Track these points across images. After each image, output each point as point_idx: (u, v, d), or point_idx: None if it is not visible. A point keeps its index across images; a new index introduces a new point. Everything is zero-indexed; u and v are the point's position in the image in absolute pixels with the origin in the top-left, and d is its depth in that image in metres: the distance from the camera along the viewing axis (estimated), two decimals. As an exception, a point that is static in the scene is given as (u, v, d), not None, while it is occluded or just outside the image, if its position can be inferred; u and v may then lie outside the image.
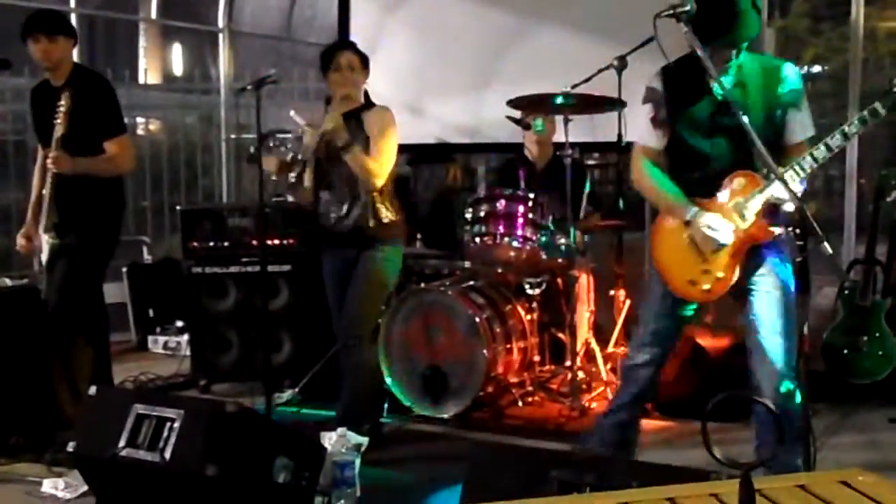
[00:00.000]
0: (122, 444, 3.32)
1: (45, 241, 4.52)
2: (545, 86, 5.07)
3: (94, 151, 4.48)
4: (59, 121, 4.31)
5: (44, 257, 4.55)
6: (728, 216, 3.37)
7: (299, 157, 4.28)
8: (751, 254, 3.41)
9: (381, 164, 4.33)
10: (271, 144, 4.31)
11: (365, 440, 3.92)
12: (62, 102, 4.30)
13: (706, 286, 3.46)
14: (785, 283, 3.37)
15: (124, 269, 7.05)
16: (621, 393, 3.82)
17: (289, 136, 4.34)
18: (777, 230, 3.33)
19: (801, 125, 3.38)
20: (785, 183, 2.99)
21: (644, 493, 1.82)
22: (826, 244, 2.63)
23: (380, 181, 4.33)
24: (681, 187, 3.51)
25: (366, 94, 4.53)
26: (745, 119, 3.11)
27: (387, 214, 4.40)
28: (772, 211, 3.32)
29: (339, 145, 4.24)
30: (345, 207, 4.41)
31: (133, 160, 4.72)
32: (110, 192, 4.60)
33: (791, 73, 3.42)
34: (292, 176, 4.30)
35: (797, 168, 3.20)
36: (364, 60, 4.49)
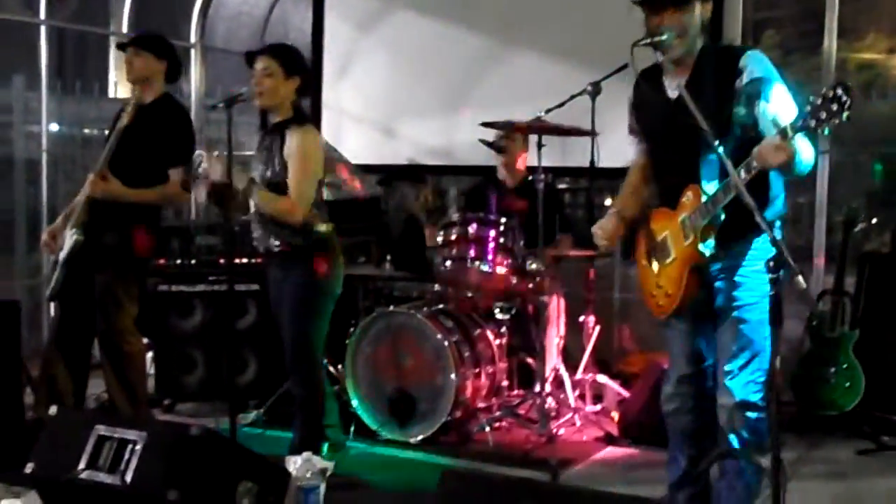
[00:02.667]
0: (81, 465, 3.25)
1: (70, 236, 4.50)
2: (519, 109, 5.07)
3: (153, 172, 4.55)
4: (126, 111, 4.48)
5: (63, 253, 4.52)
6: (676, 231, 3.28)
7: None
8: (702, 273, 3.29)
9: (296, 199, 4.04)
10: (200, 171, 4.16)
11: (331, 465, 3.85)
12: (123, 119, 4.45)
13: (660, 301, 3.40)
14: (729, 306, 3.26)
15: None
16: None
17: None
18: (707, 251, 3.19)
19: (772, 119, 3.05)
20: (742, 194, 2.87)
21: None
22: (800, 278, 2.61)
23: (297, 217, 4.05)
24: (661, 194, 3.46)
25: (297, 108, 4.19)
26: (700, 120, 2.93)
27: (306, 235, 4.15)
28: (714, 231, 3.19)
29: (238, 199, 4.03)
30: (263, 229, 4.21)
31: (188, 196, 4.92)
32: (149, 213, 4.66)
33: (751, 61, 3.16)
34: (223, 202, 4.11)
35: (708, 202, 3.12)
36: (289, 66, 4.09)
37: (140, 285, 4.72)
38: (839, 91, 2.70)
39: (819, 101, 2.74)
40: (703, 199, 3.17)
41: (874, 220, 5.73)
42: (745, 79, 3.14)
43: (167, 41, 4.83)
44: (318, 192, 4.19)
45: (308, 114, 4.28)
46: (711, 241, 3.20)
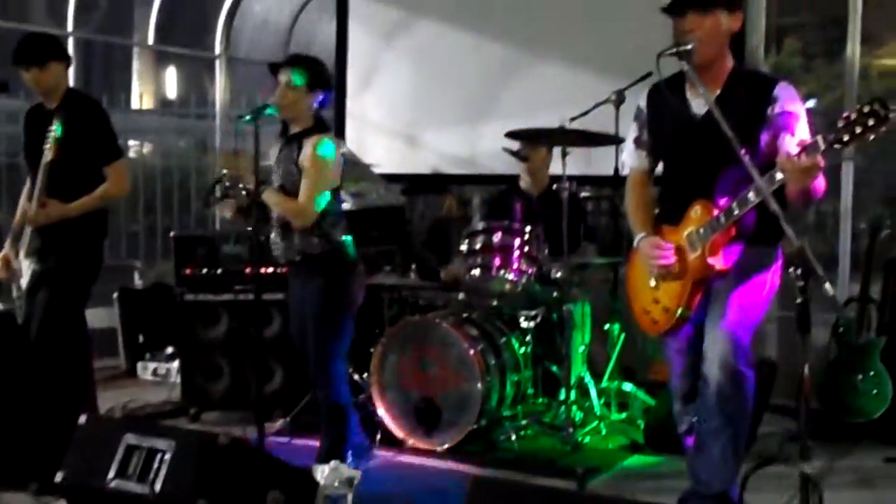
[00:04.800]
0: (111, 474, 3.28)
1: (27, 266, 4.48)
2: (543, 118, 5.08)
3: (88, 177, 4.44)
4: (47, 147, 4.26)
5: (24, 282, 4.50)
6: (682, 246, 3.28)
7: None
8: (703, 288, 3.30)
9: (303, 202, 4.06)
10: (227, 188, 4.17)
11: (358, 473, 3.87)
12: (52, 127, 4.25)
13: (655, 317, 3.39)
14: (733, 317, 3.23)
15: (115, 294, 6.99)
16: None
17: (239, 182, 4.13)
18: (717, 264, 3.20)
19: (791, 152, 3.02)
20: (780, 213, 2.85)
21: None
22: (828, 285, 2.61)
23: (304, 220, 4.08)
24: (663, 213, 3.45)
25: (318, 118, 4.22)
26: (729, 132, 2.94)
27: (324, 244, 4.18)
28: (725, 244, 3.21)
29: (249, 193, 4.03)
30: (282, 238, 4.23)
31: (128, 186, 4.68)
32: (93, 218, 4.53)
33: (784, 93, 3.22)
34: (251, 221, 4.13)
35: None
36: (313, 78, 4.13)
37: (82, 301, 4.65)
38: (876, 106, 2.69)
39: (854, 115, 2.73)
40: (715, 212, 3.17)
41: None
42: (776, 109, 3.20)
43: (57, 40, 4.70)
44: (333, 202, 4.21)
45: (328, 124, 4.28)
46: (720, 255, 3.20)
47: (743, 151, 2.95)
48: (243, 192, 4.07)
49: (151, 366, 6.73)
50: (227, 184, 4.10)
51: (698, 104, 3.30)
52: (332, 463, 3.86)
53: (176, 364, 6.33)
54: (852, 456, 4.87)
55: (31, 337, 4.41)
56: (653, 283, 3.37)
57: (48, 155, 4.27)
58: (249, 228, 4.20)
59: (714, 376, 3.22)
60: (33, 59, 4.40)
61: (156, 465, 3.24)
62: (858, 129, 2.72)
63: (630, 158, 3.60)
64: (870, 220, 5.33)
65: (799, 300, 2.66)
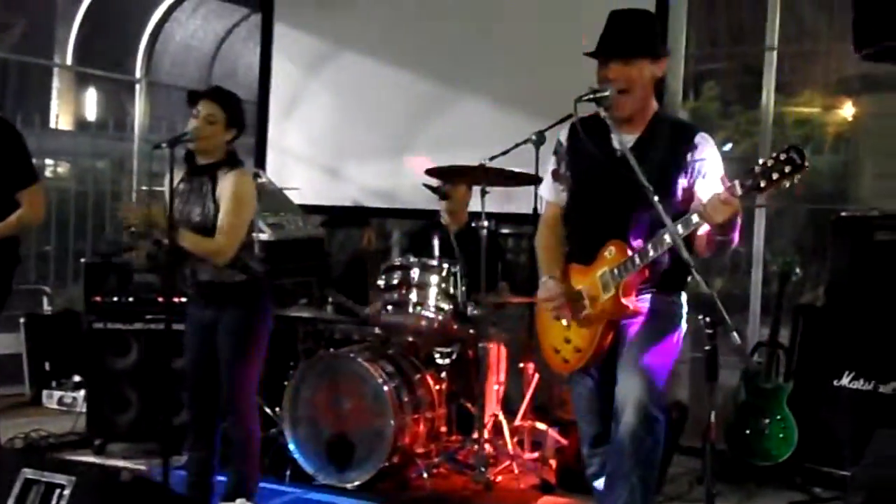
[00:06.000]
0: (7, 510, 3.17)
1: None
2: (463, 155, 5.10)
3: (2, 202, 4.32)
4: None
5: None
6: (595, 286, 3.29)
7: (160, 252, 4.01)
8: (614, 329, 3.31)
9: (225, 242, 3.97)
10: (133, 239, 4.09)
11: (265, 511, 3.81)
12: None
13: (566, 356, 3.40)
14: (647, 360, 3.24)
15: (22, 320, 6.81)
16: None
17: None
18: (630, 305, 3.22)
19: (705, 199, 3.04)
20: (682, 249, 2.90)
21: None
22: (735, 334, 2.65)
23: (223, 259, 3.99)
24: (572, 252, 3.46)
25: (230, 151, 4.12)
26: (641, 177, 2.97)
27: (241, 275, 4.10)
28: (638, 285, 3.23)
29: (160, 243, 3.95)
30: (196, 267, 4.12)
31: (43, 212, 4.57)
32: (4, 244, 4.41)
33: (704, 143, 3.27)
34: (161, 266, 4.08)
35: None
36: (232, 116, 4.07)
37: None
38: (793, 154, 2.74)
39: (771, 162, 2.78)
40: (629, 253, 3.20)
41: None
42: (696, 155, 3.24)
43: None
44: (248, 235, 4.15)
45: (239, 158, 4.22)
46: (633, 297, 3.23)
47: (656, 196, 2.98)
48: (151, 242, 3.99)
49: (57, 394, 6.56)
50: (133, 232, 4.02)
51: (617, 144, 3.32)
52: (239, 501, 3.79)
53: (82, 393, 6.18)
54: (758, 499, 4.96)
55: None
56: (564, 322, 3.38)
57: None
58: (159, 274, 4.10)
59: (626, 418, 3.23)
60: None
61: (54, 500, 3.16)
62: (775, 176, 2.77)
63: (547, 192, 3.61)
64: (780, 266, 5.43)
65: (707, 347, 2.69)
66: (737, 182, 2.89)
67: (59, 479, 3.18)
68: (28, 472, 3.24)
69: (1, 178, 4.31)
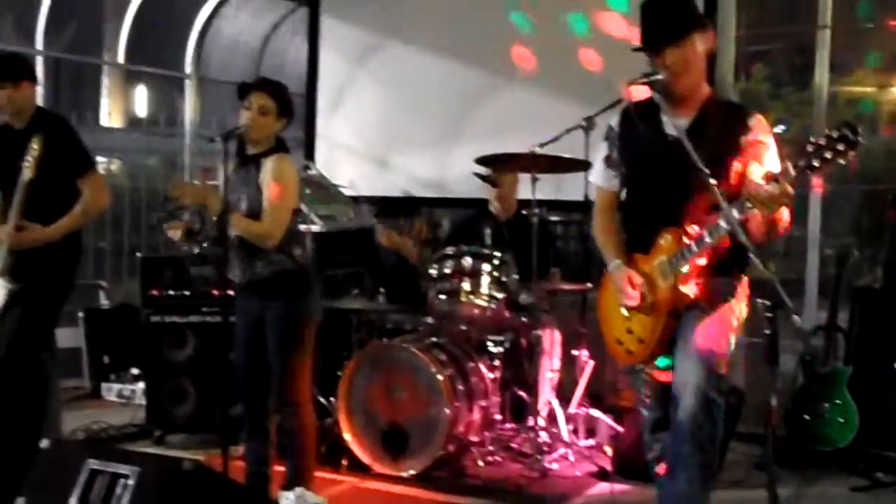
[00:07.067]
0: (73, 501, 3.22)
1: (1, 286, 4.42)
2: (513, 143, 5.09)
3: (65, 193, 4.40)
4: (28, 165, 4.21)
5: None
6: (653, 275, 3.25)
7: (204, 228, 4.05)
8: (677, 318, 3.26)
9: (270, 224, 4.02)
10: (174, 210, 4.13)
11: (323, 500, 3.84)
12: (34, 147, 4.20)
13: (630, 348, 3.36)
14: (706, 346, 3.20)
15: (81, 314, 6.92)
16: None
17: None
18: (690, 293, 3.18)
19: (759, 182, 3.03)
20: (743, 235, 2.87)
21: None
22: (797, 318, 2.61)
23: (270, 241, 4.02)
24: (630, 239, 3.42)
25: (279, 139, 4.18)
26: (698, 162, 2.94)
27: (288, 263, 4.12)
28: (696, 272, 3.18)
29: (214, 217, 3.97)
30: (242, 258, 4.14)
31: (108, 196, 4.66)
32: (68, 237, 4.49)
33: (757, 124, 3.23)
34: (201, 244, 4.09)
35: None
36: (282, 105, 4.10)
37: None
38: (846, 131, 2.69)
39: (824, 141, 2.73)
40: (686, 241, 3.17)
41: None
42: (749, 137, 3.19)
43: (28, 60, 4.76)
44: (293, 221, 4.18)
45: (287, 145, 4.26)
46: (692, 284, 3.19)
47: (713, 180, 2.95)
48: (195, 215, 4.03)
49: (116, 387, 6.66)
50: (175, 205, 4.05)
51: (670, 128, 3.28)
52: (298, 490, 3.82)
53: (141, 386, 6.28)
54: (819, 484, 4.90)
55: None
56: (625, 312, 3.35)
57: (27, 174, 4.22)
58: (196, 251, 4.14)
59: (686, 404, 3.21)
60: (9, 77, 4.39)
61: (119, 490, 3.19)
62: (829, 155, 2.72)
63: (599, 178, 3.57)
64: (837, 249, 5.36)
65: (767, 331, 2.66)
66: (789, 164, 2.84)
67: (123, 469, 3.21)
68: (93, 463, 3.27)
69: (61, 170, 4.37)
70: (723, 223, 3.00)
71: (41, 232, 4.35)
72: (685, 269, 3.15)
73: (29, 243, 4.33)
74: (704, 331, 3.21)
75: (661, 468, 3.46)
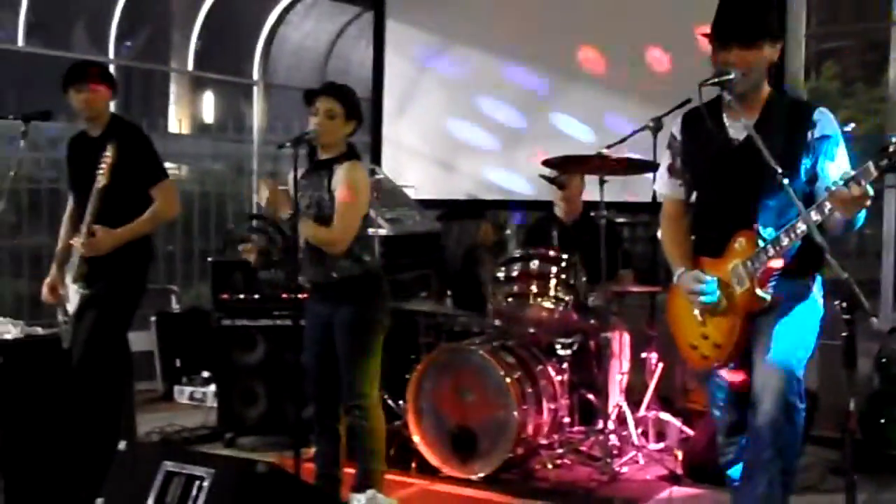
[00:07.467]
0: (150, 502, 3.27)
1: (74, 291, 4.51)
2: (578, 145, 5.08)
3: (137, 201, 4.48)
4: (102, 172, 4.28)
5: (71, 308, 4.53)
6: (728, 279, 3.20)
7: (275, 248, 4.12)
8: (753, 321, 3.21)
9: (340, 230, 4.04)
10: (248, 230, 4.17)
11: (393, 502, 3.86)
12: (108, 154, 4.27)
13: (705, 353, 3.31)
14: (784, 349, 3.16)
15: (153, 318, 7.05)
16: None
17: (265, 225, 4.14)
18: (767, 297, 3.12)
19: (831, 178, 2.99)
20: (818, 234, 2.79)
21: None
22: (875, 320, 2.56)
23: (339, 248, 4.05)
24: (699, 244, 3.38)
25: (350, 145, 4.21)
26: (771, 160, 2.89)
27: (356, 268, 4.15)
28: (772, 275, 3.12)
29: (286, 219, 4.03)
30: (312, 262, 4.18)
31: (177, 205, 4.74)
32: (140, 242, 4.57)
33: (824, 119, 3.16)
34: (275, 265, 4.18)
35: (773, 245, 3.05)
36: (350, 109, 4.13)
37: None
38: None
39: None
40: (761, 244, 3.12)
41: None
42: (816, 133, 3.14)
43: (107, 68, 4.83)
44: (363, 226, 4.20)
45: (358, 151, 4.29)
46: (769, 287, 3.15)
47: (785, 180, 2.91)
48: (263, 234, 4.08)
49: (188, 390, 6.77)
50: (253, 223, 4.11)
51: (736, 130, 3.25)
52: (369, 492, 3.84)
53: (212, 388, 6.37)
54: (894, 489, 4.79)
55: (74, 361, 4.44)
56: (699, 317, 3.31)
57: (101, 181, 4.29)
58: (270, 273, 4.19)
59: (766, 408, 3.16)
60: (88, 80, 4.48)
61: (194, 492, 3.24)
62: None
63: (664, 187, 3.54)
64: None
65: (844, 334, 2.61)
66: (870, 163, 2.79)
67: (199, 471, 3.25)
68: (169, 465, 3.33)
69: (134, 178, 4.45)
70: (801, 225, 2.95)
71: (110, 234, 4.40)
72: (761, 271, 3.10)
73: (99, 249, 4.39)
74: (783, 333, 3.17)
75: (735, 471, 3.42)
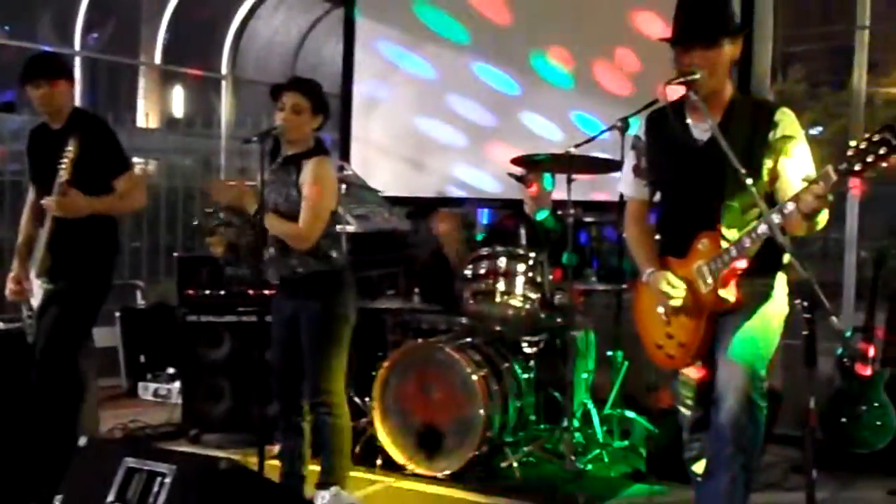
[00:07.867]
0: (110, 498, 3.26)
1: (39, 286, 4.46)
2: (547, 144, 5.09)
3: (101, 194, 4.41)
4: (63, 166, 4.22)
5: (35, 302, 4.47)
6: (692, 280, 3.22)
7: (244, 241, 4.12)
8: (716, 321, 3.24)
9: (307, 226, 4.02)
10: (216, 223, 4.17)
11: (358, 499, 3.85)
12: (69, 148, 4.21)
13: (670, 352, 3.34)
14: (747, 348, 3.20)
15: (117, 314, 6.99)
16: None
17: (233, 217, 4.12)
18: (731, 297, 3.16)
19: (792, 178, 3.07)
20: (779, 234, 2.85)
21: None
22: (835, 319, 2.59)
23: (306, 244, 4.04)
24: (663, 245, 3.40)
25: (318, 140, 4.19)
26: (735, 161, 2.92)
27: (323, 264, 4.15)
28: (735, 276, 3.15)
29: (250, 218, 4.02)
30: (279, 257, 4.16)
31: (144, 195, 4.69)
32: (106, 236, 4.53)
33: (785, 119, 3.19)
34: (243, 257, 4.17)
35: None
36: (316, 103, 4.11)
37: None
38: (888, 135, 2.65)
39: (865, 144, 2.69)
40: (724, 245, 3.14)
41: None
42: (777, 133, 3.16)
43: (66, 60, 4.78)
44: (331, 223, 4.19)
45: (326, 146, 4.27)
46: (732, 288, 3.17)
47: (749, 180, 2.93)
48: (231, 227, 4.07)
49: (152, 386, 6.71)
50: (220, 216, 4.09)
51: (700, 131, 3.28)
52: (333, 489, 3.84)
53: (177, 385, 6.32)
54: (855, 487, 4.85)
55: (37, 356, 4.39)
56: (664, 317, 3.33)
57: (63, 175, 4.23)
58: (237, 266, 4.16)
59: (729, 405, 3.19)
60: (45, 76, 4.40)
61: (156, 488, 3.22)
62: (870, 158, 2.68)
63: (628, 188, 3.57)
64: (874, 251, 5.31)
65: (805, 332, 2.64)
66: (830, 167, 2.81)
67: (161, 467, 3.24)
68: (130, 461, 3.31)
69: (96, 170, 4.38)
70: (763, 228, 2.98)
71: (82, 199, 4.30)
72: (724, 272, 3.13)
73: (69, 209, 4.28)
74: (746, 334, 3.19)
75: (697, 467, 3.44)
